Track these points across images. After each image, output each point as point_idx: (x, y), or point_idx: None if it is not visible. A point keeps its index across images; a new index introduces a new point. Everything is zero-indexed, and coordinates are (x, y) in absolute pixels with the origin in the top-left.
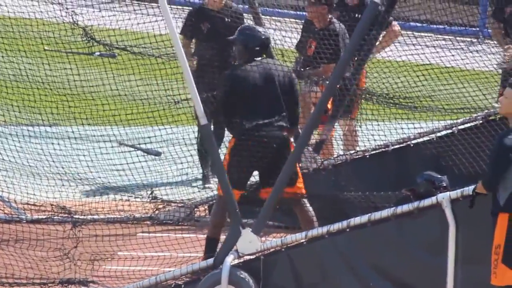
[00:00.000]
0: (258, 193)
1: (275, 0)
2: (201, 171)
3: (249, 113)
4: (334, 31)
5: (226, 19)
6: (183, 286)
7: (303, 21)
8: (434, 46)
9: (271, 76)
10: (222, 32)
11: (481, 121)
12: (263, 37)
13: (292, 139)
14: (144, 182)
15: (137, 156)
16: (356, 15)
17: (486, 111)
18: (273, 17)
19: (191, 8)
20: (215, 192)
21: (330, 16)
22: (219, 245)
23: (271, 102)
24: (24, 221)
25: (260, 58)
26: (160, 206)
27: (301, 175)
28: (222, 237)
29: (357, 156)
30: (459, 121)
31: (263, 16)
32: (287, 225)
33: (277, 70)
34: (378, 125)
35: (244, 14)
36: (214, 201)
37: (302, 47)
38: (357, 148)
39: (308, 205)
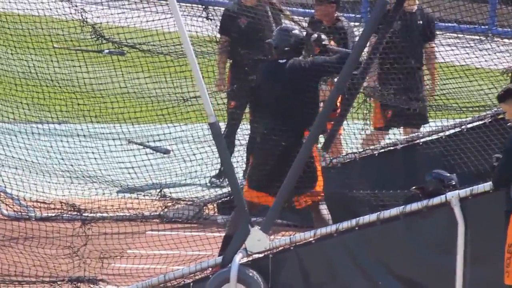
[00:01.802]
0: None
1: None
2: (209, 168)
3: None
4: (341, 29)
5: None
6: (191, 284)
7: (309, 18)
8: (443, 44)
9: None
10: (258, 28)
11: (489, 120)
12: (293, 39)
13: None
14: (153, 180)
15: (146, 154)
16: (419, 21)
17: (495, 109)
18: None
19: (223, 8)
20: (224, 190)
21: (337, 14)
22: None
23: (285, 104)
24: (34, 219)
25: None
26: (169, 204)
27: (321, 177)
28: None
29: (365, 155)
30: (467, 119)
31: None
32: (296, 223)
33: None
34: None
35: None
36: (223, 199)
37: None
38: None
39: (324, 206)
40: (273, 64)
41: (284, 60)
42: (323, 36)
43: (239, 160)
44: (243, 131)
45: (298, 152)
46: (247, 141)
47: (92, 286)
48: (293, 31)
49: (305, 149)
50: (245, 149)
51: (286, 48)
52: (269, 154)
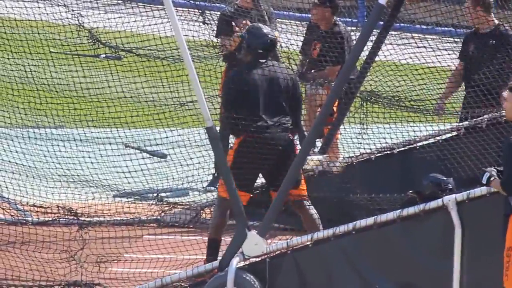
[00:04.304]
0: (268, 194)
1: (281, 2)
2: (207, 172)
3: (253, 114)
4: (339, 33)
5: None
6: None
7: (307, 23)
8: (439, 49)
9: (274, 78)
10: None
11: (486, 124)
12: (268, 39)
13: (297, 142)
14: (150, 184)
15: (143, 158)
16: (491, 42)
17: (491, 114)
18: (279, 19)
19: (221, 11)
20: None
21: (334, 19)
22: (222, 247)
23: (274, 104)
24: (31, 223)
25: (264, 60)
26: (166, 208)
27: (304, 177)
28: (227, 239)
29: (362, 159)
30: (464, 123)
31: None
32: (293, 227)
33: (281, 73)
34: (384, 128)
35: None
36: None
37: (307, 49)
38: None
39: (311, 206)
40: (251, 66)
41: (263, 61)
42: None
43: None
44: None
45: (282, 152)
46: None
47: None
48: (265, 32)
49: (302, 154)
50: None
51: (260, 50)
52: (251, 154)
